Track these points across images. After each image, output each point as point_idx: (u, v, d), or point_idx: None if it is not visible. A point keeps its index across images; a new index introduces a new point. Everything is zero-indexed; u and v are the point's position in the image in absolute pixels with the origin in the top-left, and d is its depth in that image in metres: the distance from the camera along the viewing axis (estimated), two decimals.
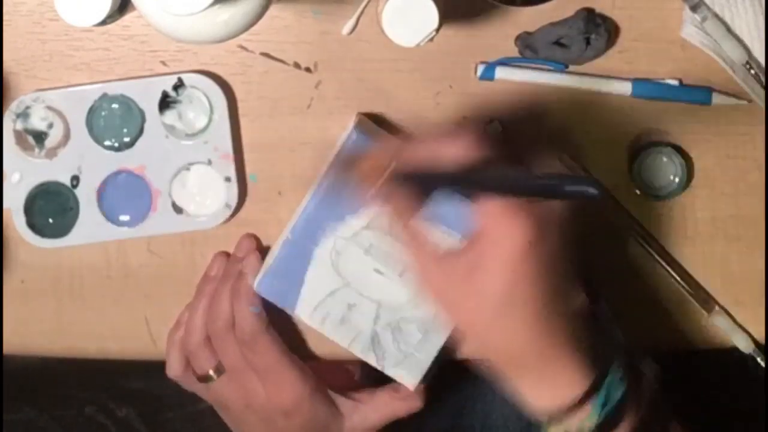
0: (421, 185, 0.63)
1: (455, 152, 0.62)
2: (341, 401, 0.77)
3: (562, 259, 0.63)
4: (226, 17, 0.60)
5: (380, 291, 0.74)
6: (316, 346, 0.80)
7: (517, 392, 0.66)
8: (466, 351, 0.70)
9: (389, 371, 0.75)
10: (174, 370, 0.78)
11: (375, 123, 0.77)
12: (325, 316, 0.74)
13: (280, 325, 0.77)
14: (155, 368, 0.95)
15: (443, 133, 0.64)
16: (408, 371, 0.75)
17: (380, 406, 0.77)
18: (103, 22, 0.70)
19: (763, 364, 0.79)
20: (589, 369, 0.64)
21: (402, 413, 0.77)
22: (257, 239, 0.78)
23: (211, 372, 0.77)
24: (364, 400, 0.77)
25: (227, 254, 0.78)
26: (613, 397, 0.65)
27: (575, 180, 0.57)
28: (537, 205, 0.61)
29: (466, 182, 0.61)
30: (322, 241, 0.73)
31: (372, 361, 0.75)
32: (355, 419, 0.77)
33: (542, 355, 0.63)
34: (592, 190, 0.55)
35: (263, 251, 0.77)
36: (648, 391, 0.67)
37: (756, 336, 0.80)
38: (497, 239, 0.60)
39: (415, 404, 0.77)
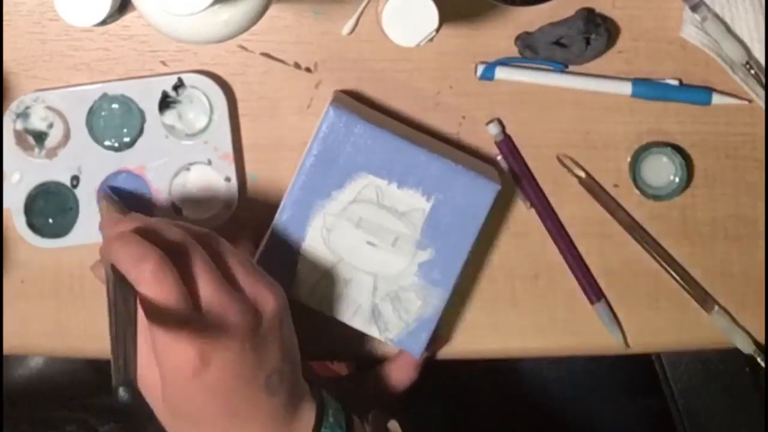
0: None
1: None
2: (342, 383, 0.77)
3: (244, 371, 0.62)
4: (226, 17, 0.60)
5: (375, 263, 0.74)
6: (315, 347, 0.80)
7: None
8: None
9: (393, 342, 0.75)
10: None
11: (355, 99, 0.77)
12: (323, 294, 0.74)
13: None
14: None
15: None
16: (412, 340, 0.75)
17: (379, 382, 0.77)
18: (103, 22, 0.70)
19: (763, 364, 0.79)
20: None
21: (399, 386, 0.77)
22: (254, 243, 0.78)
23: None
24: (364, 379, 0.78)
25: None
26: None
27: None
28: (203, 328, 0.61)
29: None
30: (312, 220, 0.73)
31: (375, 333, 0.75)
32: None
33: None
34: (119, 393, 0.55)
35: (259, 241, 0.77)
36: None
37: (756, 336, 0.80)
38: (164, 362, 0.61)
39: (412, 375, 0.77)
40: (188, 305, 0.60)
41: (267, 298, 0.64)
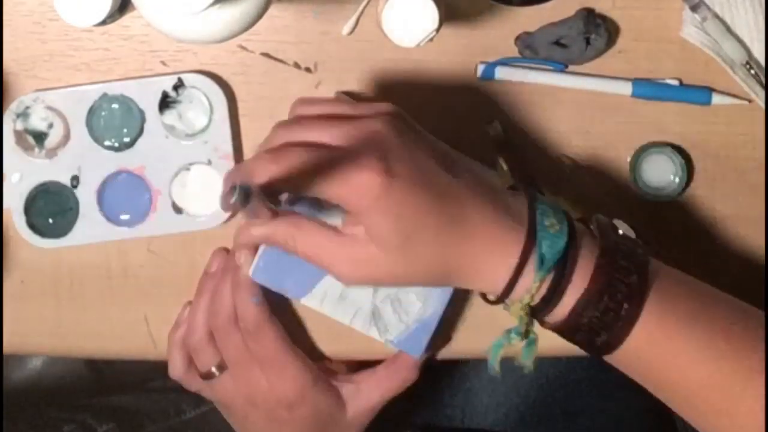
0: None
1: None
2: (342, 387, 0.77)
3: (422, 160, 0.63)
4: (226, 17, 0.60)
5: None
6: (313, 346, 0.80)
7: (474, 290, 0.66)
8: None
9: (393, 344, 0.75)
10: (176, 370, 0.79)
11: (355, 99, 0.77)
12: (323, 295, 0.74)
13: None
14: (136, 383, 0.96)
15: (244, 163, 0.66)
16: (412, 341, 0.75)
17: (379, 384, 0.77)
18: (103, 22, 0.70)
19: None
20: (516, 234, 0.63)
21: (400, 387, 0.78)
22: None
23: (213, 369, 0.77)
24: (363, 381, 0.78)
25: (226, 250, 0.78)
26: (551, 251, 0.62)
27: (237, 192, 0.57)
28: (362, 144, 0.62)
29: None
30: (312, 220, 0.73)
31: (375, 335, 0.75)
32: (358, 403, 0.77)
33: (465, 250, 0.63)
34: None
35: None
36: (608, 240, 0.64)
37: None
38: (356, 203, 0.62)
39: (411, 375, 0.78)
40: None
41: (381, 107, 0.66)
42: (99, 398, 0.93)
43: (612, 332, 0.62)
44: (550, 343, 0.81)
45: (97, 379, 0.99)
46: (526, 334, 0.64)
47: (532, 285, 0.62)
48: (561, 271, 0.62)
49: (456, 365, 0.96)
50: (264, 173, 0.63)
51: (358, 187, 0.62)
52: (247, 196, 0.58)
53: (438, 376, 0.86)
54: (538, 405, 0.94)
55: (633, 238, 0.66)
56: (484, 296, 0.67)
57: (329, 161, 0.62)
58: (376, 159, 0.62)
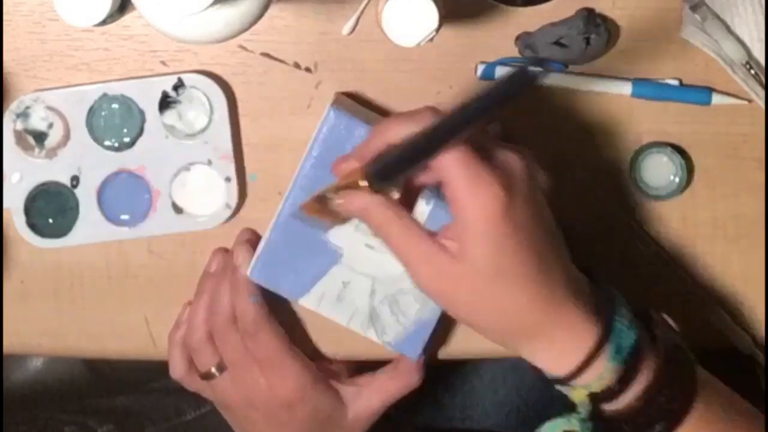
0: (392, 169, 0.62)
1: (419, 126, 0.61)
2: (342, 389, 0.77)
3: (539, 217, 0.63)
4: (226, 17, 0.60)
5: (373, 266, 0.74)
6: (311, 346, 0.80)
7: (535, 363, 0.65)
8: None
9: (390, 345, 0.75)
10: (177, 370, 0.79)
11: (355, 101, 0.77)
12: (321, 296, 0.74)
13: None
14: (136, 384, 0.95)
15: (403, 114, 0.64)
16: (410, 343, 0.75)
17: (381, 387, 0.77)
18: (103, 22, 0.70)
19: (763, 364, 0.79)
20: (594, 322, 0.63)
21: (401, 391, 0.77)
22: (254, 232, 0.78)
23: (213, 369, 0.77)
24: (365, 384, 0.77)
25: (226, 250, 0.78)
26: (625, 345, 0.63)
27: (506, 79, 0.56)
28: (498, 171, 0.61)
29: (422, 147, 0.60)
30: (310, 221, 0.73)
31: (373, 337, 0.75)
32: (359, 406, 0.77)
33: (543, 318, 0.63)
34: (526, 77, 0.55)
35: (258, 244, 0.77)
36: (665, 337, 0.65)
37: (756, 336, 0.80)
38: (469, 214, 0.60)
39: (413, 380, 0.77)
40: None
41: (524, 149, 0.65)
42: (99, 399, 0.93)
43: (660, 427, 0.63)
44: None
45: (97, 379, 0.99)
46: (590, 417, 0.64)
47: (602, 373, 0.63)
48: (631, 364, 0.63)
49: (456, 366, 0.96)
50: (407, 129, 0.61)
51: (481, 199, 0.60)
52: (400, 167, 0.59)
53: (438, 377, 0.86)
54: (539, 406, 0.94)
55: (679, 336, 0.68)
56: (534, 369, 0.66)
57: (477, 150, 0.61)
58: (506, 187, 0.60)
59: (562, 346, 0.63)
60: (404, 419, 0.81)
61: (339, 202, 0.64)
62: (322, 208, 0.67)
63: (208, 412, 0.92)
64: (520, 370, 0.96)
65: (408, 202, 0.67)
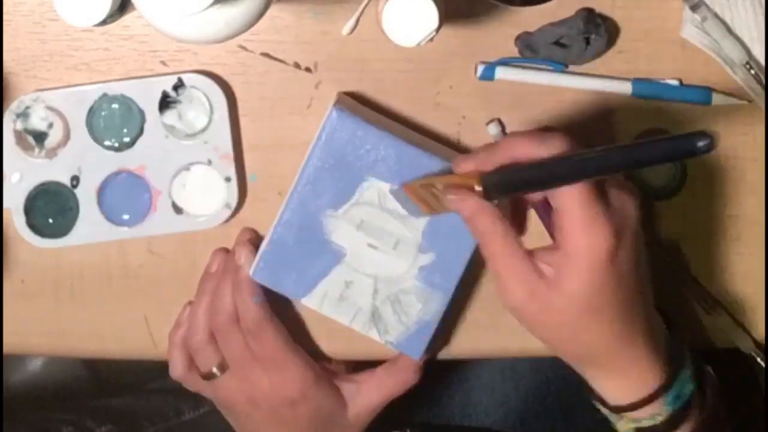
0: (508, 185, 0.64)
1: (546, 151, 0.62)
2: (343, 386, 0.77)
3: (638, 261, 0.65)
4: (226, 17, 0.60)
5: (376, 265, 0.74)
6: (313, 345, 0.80)
7: (593, 385, 0.68)
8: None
9: (393, 345, 0.75)
10: (177, 370, 0.79)
11: (357, 102, 0.77)
12: (323, 296, 0.74)
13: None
14: (134, 384, 0.95)
15: (534, 133, 0.65)
16: (412, 343, 0.75)
17: (380, 384, 0.78)
18: (103, 22, 0.70)
19: (763, 364, 0.79)
20: (664, 366, 0.66)
21: (400, 388, 0.78)
22: (255, 232, 0.78)
23: (214, 369, 0.77)
24: (364, 381, 0.78)
25: (226, 250, 0.78)
26: (684, 393, 0.67)
27: (682, 136, 0.55)
28: (613, 212, 0.62)
29: (548, 177, 0.61)
30: (313, 222, 0.73)
31: (375, 336, 0.75)
32: (359, 403, 0.77)
33: (620, 352, 0.65)
34: (701, 143, 0.54)
35: (260, 243, 0.77)
36: (711, 395, 0.69)
37: (756, 336, 0.80)
38: (578, 250, 0.62)
39: (412, 377, 0.78)
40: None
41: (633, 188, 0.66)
42: (97, 400, 0.93)
43: None
44: (540, 344, 0.81)
45: (95, 380, 1.00)
46: None
47: (656, 414, 0.66)
48: (684, 412, 0.67)
49: (455, 365, 0.96)
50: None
51: (593, 239, 0.61)
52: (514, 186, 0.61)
53: (437, 376, 0.86)
54: (538, 404, 0.95)
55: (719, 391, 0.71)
56: (591, 391, 0.68)
57: (598, 187, 0.62)
58: (619, 231, 0.62)
59: (628, 380, 0.66)
60: (403, 418, 0.81)
61: (451, 197, 0.65)
62: (423, 194, 0.68)
63: (206, 413, 0.92)
64: (518, 370, 0.96)
65: (514, 216, 0.70)
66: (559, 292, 0.63)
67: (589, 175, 0.60)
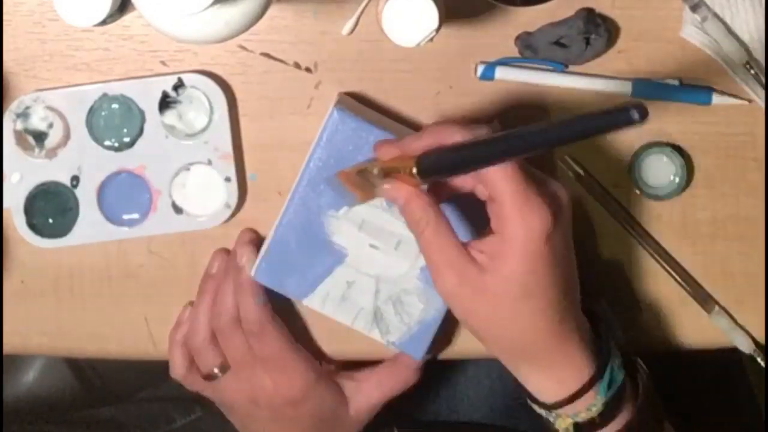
0: (444, 167, 0.63)
1: (470, 135, 0.62)
2: (344, 384, 0.78)
3: (570, 251, 0.65)
4: (226, 17, 0.60)
5: (377, 265, 0.74)
6: (313, 345, 0.80)
7: (528, 385, 0.67)
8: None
9: (394, 345, 0.75)
10: (178, 370, 0.79)
11: (358, 102, 0.77)
12: (325, 296, 0.75)
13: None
14: (125, 394, 0.95)
15: (455, 122, 0.65)
16: (413, 343, 0.75)
17: (380, 383, 0.78)
18: (103, 22, 0.70)
19: (763, 364, 0.79)
20: (593, 356, 0.66)
21: (400, 387, 0.78)
22: (255, 233, 0.78)
23: (216, 370, 0.77)
24: (364, 379, 0.78)
25: (227, 251, 0.78)
26: (615, 381, 0.66)
27: (616, 109, 0.54)
28: (546, 196, 0.62)
29: (482, 154, 0.60)
30: (314, 222, 0.73)
31: (376, 337, 0.75)
32: (359, 401, 0.78)
33: (551, 345, 0.65)
34: (634, 115, 0.53)
35: (261, 244, 0.77)
36: (643, 384, 0.69)
37: (756, 336, 0.80)
38: (514, 231, 0.61)
39: (412, 376, 0.78)
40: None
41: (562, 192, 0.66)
42: (89, 411, 0.93)
43: None
44: None
45: (87, 392, 0.99)
46: None
47: (591, 405, 0.66)
48: (617, 402, 0.67)
49: (440, 360, 0.96)
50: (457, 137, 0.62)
51: (528, 220, 0.61)
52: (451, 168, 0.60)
53: (422, 373, 0.86)
54: (522, 395, 0.95)
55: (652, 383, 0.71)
56: (528, 396, 0.68)
57: (529, 173, 0.62)
58: (554, 214, 0.62)
59: (560, 374, 0.66)
60: (390, 415, 0.81)
61: (386, 187, 0.65)
62: (357, 182, 0.68)
63: (197, 419, 0.92)
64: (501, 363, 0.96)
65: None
66: (494, 275, 0.62)
67: (528, 149, 0.59)
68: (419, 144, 0.64)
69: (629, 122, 0.53)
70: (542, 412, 0.68)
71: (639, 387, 0.68)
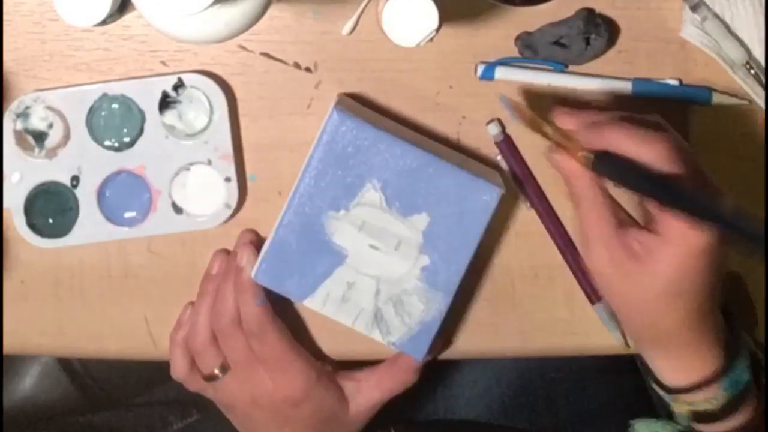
0: (613, 176, 0.66)
1: (650, 157, 0.64)
2: (345, 384, 0.78)
3: (722, 266, 0.67)
4: (226, 17, 0.60)
5: (378, 266, 0.74)
6: (313, 345, 0.80)
7: (652, 365, 0.70)
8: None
9: (395, 346, 0.75)
10: (179, 370, 0.79)
11: (358, 102, 0.77)
12: (326, 297, 0.74)
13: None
14: (121, 399, 0.95)
15: (640, 132, 0.66)
16: (414, 344, 0.75)
17: (380, 383, 0.78)
18: (103, 22, 0.70)
19: (763, 364, 0.79)
20: (722, 354, 0.68)
21: (400, 387, 0.78)
22: (256, 233, 0.78)
23: (216, 371, 0.77)
24: (364, 379, 0.78)
25: (227, 251, 0.78)
26: (740, 381, 0.68)
27: (747, 227, 0.60)
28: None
29: (659, 193, 0.64)
30: (314, 223, 0.73)
31: (377, 337, 0.75)
32: (359, 401, 0.78)
33: (687, 338, 0.67)
34: (755, 245, 0.58)
35: (261, 245, 0.77)
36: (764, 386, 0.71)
37: (756, 336, 0.80)
38: (679, 237, 0.64)
39: (411, 377, 0.78)
40: None
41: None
42: (86, 417, 0.93)
43: None
44: (549, 344, 0.81)
45: (84, 398, 0.99)
46: (686, 429, 0.70)
47: (712, 398, 0.68)
48: (739, 399, 0.69)
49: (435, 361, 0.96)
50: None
51: (693, 234, 0.63)
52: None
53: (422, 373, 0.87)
54: (520, 394, 0.95)
55: None
56: (652, 377, 0.70)
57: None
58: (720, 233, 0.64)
59: (688, 362, 0.68)
60: (386, 416, 0.81)
61: (557, 157, 0.68)
62: (531, 119, 0.70)
63: (194, 422, 0.92)
64: (498, 361, 0.96)
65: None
66: (647, 270, 0.65)
67: (690, 214, 0.62)
68: (592, 139, 0.67)
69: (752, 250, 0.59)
70: (662, 393, 0.70)
71: (760, 389, 0.70)
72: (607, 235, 0.66)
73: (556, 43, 0.76)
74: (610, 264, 0.66)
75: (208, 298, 0.77)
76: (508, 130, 0.78)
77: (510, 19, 0.76)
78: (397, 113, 0.78)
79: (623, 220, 0.67)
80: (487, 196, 0.73)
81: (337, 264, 0.74)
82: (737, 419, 0.68)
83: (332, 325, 0.76)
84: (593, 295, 0.79)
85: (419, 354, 0.75)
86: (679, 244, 0.64)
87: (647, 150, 0.64)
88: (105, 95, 0.76)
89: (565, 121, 0.69)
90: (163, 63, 0.77)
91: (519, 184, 0.78)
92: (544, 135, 0.69)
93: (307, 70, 0.77)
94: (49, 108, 0.76)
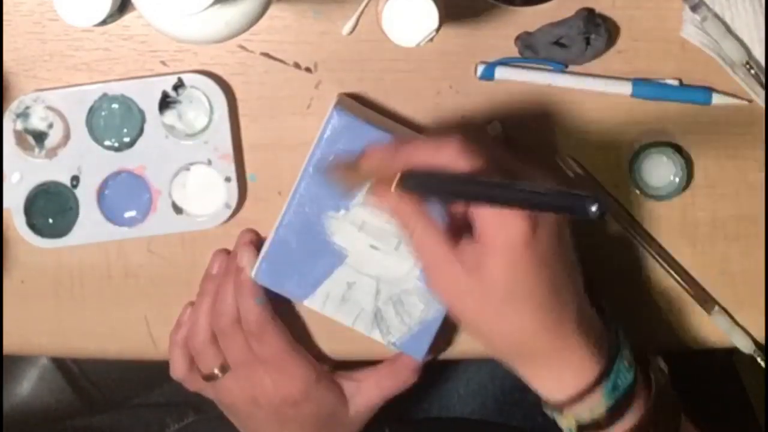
0: (422, 190, 0.64)
1: (445, 160, 0.62)
2: (344, 384, 0.78)
3: (561, 251, 0.64)
4: (226, 17, 0.60)
5: (378, 266, 0.74)
6: (313, 345, 0.80)
7: (531, 385, 0.67)
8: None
9: (395, 346, 0.75)
10: (178, 370, 0.79)
11: (358, 102, 0.77)
12: (326, 297, 0.75)
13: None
14: (119, 401, 0.95)
15: (430, 141, 0.65)
16: (414, 344, 0.75)
17: (379, 383, 0.78)
18: (103, 22, 0.70)
19: (763, 364, 0.79)
20: (598, 357, 0.65)
21: (399, 388, 0.78)
22: (256, 233, 0.78)
23: (216, 370, 0.77)
24: (364, 379, 0.78)
25: (227, 251, 0.78)
26: (622, 383, 0.66)
27: (570, 196, 0.55)
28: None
29: (463, 193, 0.62)
30: (314, 223, 0.73)
31: (377, 337, 0.75)
32: (359, 400, 0.78)
33: (550, 346, 0.65)
34: (590, 208, 0.53)
35: (261, 245, 0.77)
36: (657, 383, 0.68)
37: (756, 336, 0.80)
38: (495, 236, 0.61)
39: (411, 377, 0.78)
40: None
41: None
42: (83, 419, 0.93)
43: None
44: None
45: (81, 400, 0.99)
46: None
47: (594, 408, 0.65)
48: (623, 404, 0.66)
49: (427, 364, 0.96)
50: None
51: (508, 223, 0.61)
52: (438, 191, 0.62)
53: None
54: (515, 391, 0.95)
55: (669, 382, 0.71)
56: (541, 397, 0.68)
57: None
58: (533, 219, 0.61)
59: (562, 375, 0.65)
60: (380, 415, 0.81)
61: (374, 198, 0.66)
62: (347, 175, 0.68)
63: (191, 423, 0.92)
64: (492, 359, 0.96)
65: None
66: (483, 280, 0.62)
67: (496, 204, 0.60)
68: (393, 165, 0.65)
69: (585, 214, 0.53)
70: (547, 410, 0.67)
71: (652, 386, 0.68)
72: (442, 257, 0.63)
73: (556, 43, 0.76)
74: (452, 285, 0.64)
75: (208, 298, 0.77)
76: (508, 130, 0.78)
77: (510, 19, 0.76)
78: (397, 113, 0.78)
79: (456, 238, 0.64)
80: None
81: (337, 264, 0.74)
82: (624, 424, 0.65)
83: (332, 325, 0.76)
84: (593, 295, 0.79)
85: (419, 354, 0.75)
86: (497, 244, 0.61)
87: (440, 154, 0.62)
88: (105, 95, 0.76)
89: (369, 160, 0.67)
90: (163, 63, 0.77)
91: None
92: (363, 180, 0.67)
93: (307, 70, 0.77)
94: (49, 108, 0.76)
